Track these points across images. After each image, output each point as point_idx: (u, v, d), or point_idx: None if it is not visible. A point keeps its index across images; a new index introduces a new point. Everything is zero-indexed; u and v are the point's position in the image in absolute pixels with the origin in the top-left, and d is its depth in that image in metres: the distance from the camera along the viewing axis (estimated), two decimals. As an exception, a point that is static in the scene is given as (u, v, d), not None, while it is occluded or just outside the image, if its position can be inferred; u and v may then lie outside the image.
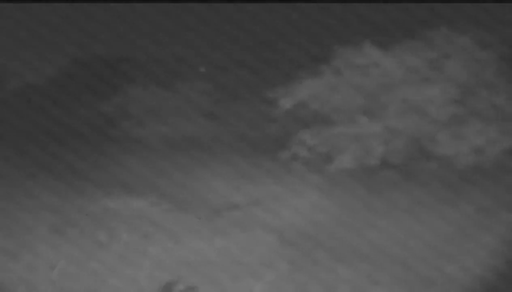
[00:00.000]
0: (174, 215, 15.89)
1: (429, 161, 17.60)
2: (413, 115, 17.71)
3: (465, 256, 14.28)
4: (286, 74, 19.08)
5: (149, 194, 16.84)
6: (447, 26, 18.44)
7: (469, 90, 17.76)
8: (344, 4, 20.34)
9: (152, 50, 21.42)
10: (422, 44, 18.50)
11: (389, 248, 14.78)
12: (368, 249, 14.79)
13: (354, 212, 16.22)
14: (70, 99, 20.17)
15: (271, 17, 20.87)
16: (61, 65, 21.29)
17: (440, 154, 17.41)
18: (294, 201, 16.81)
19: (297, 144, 18.20)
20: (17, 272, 13.34)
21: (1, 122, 19.44)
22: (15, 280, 13.16)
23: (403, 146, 17.68)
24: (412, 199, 16.43)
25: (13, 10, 21.15)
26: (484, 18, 18.74)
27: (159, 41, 21.37)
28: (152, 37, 21.29)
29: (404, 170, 17.46)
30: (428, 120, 17.65)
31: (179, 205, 16.38)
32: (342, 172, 17.48)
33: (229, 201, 16.85)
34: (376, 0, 20.12)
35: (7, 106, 19.96)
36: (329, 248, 14.76)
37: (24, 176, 17.28)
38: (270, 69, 20.38)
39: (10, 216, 15.56)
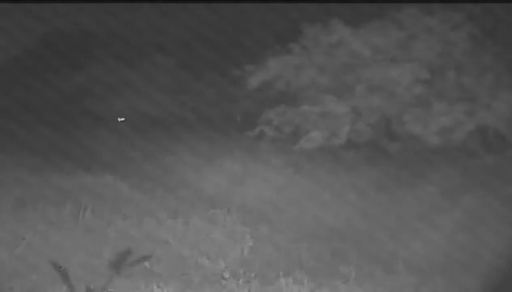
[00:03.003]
0: (140, 191, 15.82)
1: (395, 141, 17.62)
2: (380, 95, 17.69)
3: (430, 233, 14.34)
4: (254, 52, 18.95)
5: (115, 168, 16.71)
6: (415, 6, 18.39)
7: (436, 71, 17.77)
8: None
9: (116, 27, 21.16)
10: (390, 24, 18.43)
11: (354, 225, 14.80)
12: (332, 226, 14.79)
13: (320, 190, 16.21)
14: (31, 76, 19.92)
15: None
16: (23, 42, 21.02)
17: (406, 134, 17.44)
18: (260, 179, 16.79)
19: (263, 124, 18.14)
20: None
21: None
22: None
23: (369, 125, 17.69)
24: (379, 177, 16.45)
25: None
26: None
27: (123, 18, 21.11)
28: (116, 14, 21.03)
29: (370, 149, 17.48)
30: (395, 101, 17.64)
31: (145, 180, 16.29)
32: (309, 150, 17.45)
33: (195, 177, 16.78)
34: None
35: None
36: (294, 225, 14.76)
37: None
38: (238, 48, 20.24)
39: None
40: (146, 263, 12.49)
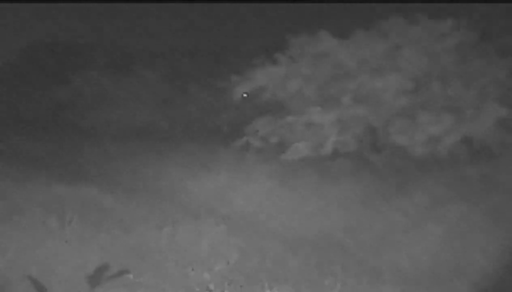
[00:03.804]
0: (124, 203, 15.73)
1: (382, 151, 17.66)
2: (367, 105, 17.74)
3: (415, 245, 14.34)
4: (241, 62, 18.99)
5: (100, 181, 16.66)
6: (401, 17, 18.48)
7: (422, 81, 17.84)
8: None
9: (100, 40, 21.17)
10: (376, 34, 18.53)
11: (340, 237, 14.78)
12: (318, 238, 14.77)
13: (306, 201, 16.22)
14: (25, 82, 19.93)
15: (230, 7, 20.73)
16: (19, 48, 21.01)
17: (393, 143, 17.47)
18: (246, 190, 16.78)
19: (250, 133, 18.15)
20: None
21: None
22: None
23: (356, 135, 17.72)
24: (364, 188, 16.48)
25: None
26: (438, 9, 18.82)
27: (107, 32, 21.12)
28: (100, 27, 21.04)
29: (357, 159, 17.50)
30: (381, 110, 17.70)
31: (130, 193, 16.23)
32: (295, 161, 17.46)
33: (181, 189, 16.75)
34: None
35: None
36: (279, 237, 14.72)
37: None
38: (224, 58, 20.30)
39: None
40: (131, 275, 12.46)
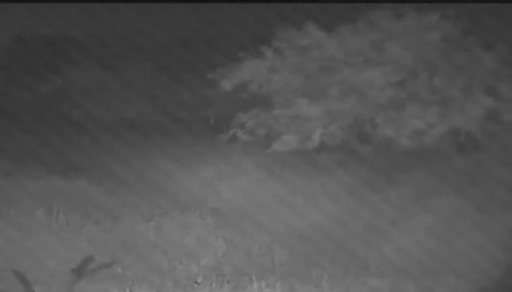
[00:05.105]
0: (113, 195, 15.68)
1: (369, 143, 17.64)
2: (353, 97, 17.69)
3: (402, 237, 14.35)
4: (227, 55, 18.89)
5: (89, 172, 16.62)
6: (389, 8, 18.41)
7: (409, 73, 17.80)
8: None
9: (93, 30, 21.02)
10: (364, 26, 18.45)
11: (327, 229, 14.76)
12: (306, 230, 14.75)
13: (293, 193, 16.18)
14: (9, 79, 19.79)
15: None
16: (6, 42, 20.86)
17: (380, 136, 17.45)
18: (234, 182, 16.73)
19: (236, 127, 18.07)
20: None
21: None
22: None
23: (343, 128, 17.68)
24: (352, 180, 16.45)
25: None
26: (424, 3, 18.79)
27: (100, 21, 20.98)
28: (93, 17, 20.89)
29: (344, 151, 17.47)
30: (368, 103, 17.65)
31: (118, 185, 16.17)
32: (281, 154, 17.41)
33: (169, 181, 16.70)
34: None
35: None
36: (267, 229, 14.70)
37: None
38: (210, 51, 20.19)
39: None
40: (119, 268, 12.43)
